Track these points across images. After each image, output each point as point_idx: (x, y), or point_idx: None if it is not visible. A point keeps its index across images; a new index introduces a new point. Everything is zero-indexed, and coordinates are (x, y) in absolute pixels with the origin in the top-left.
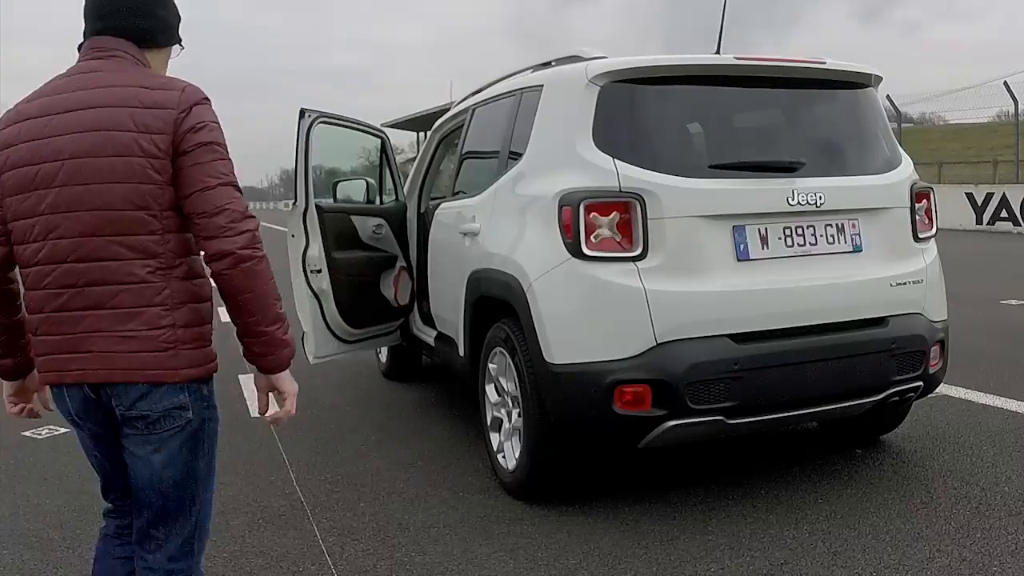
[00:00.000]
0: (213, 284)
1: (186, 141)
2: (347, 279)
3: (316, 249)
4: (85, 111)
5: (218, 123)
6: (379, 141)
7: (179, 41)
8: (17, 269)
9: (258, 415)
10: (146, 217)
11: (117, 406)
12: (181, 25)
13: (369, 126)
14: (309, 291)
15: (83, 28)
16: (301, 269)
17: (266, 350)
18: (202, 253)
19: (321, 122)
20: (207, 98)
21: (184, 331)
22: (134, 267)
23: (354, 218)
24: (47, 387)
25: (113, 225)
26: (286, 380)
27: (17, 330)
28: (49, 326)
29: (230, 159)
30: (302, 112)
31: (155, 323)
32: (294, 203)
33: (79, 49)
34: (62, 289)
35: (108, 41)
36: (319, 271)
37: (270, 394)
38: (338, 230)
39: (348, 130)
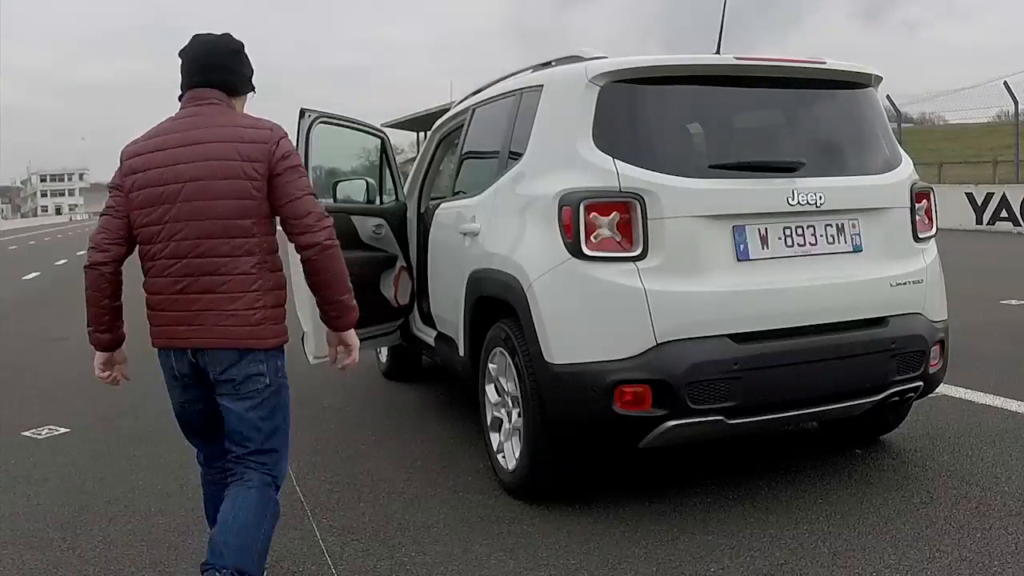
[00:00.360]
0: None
1: (278, 167)
2: None
3: None
4: (198, 145)
5: (296, 151)
6: (379, 141)
7: (253, 88)
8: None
9: None
10: (248, 224)
11: (211, 371)
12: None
13: (369, 126)
14: (309, 291)
15: (181, 82)
16: (301, 269)
17: (340, 313)
18: (294, 245)
19: (321, 122)
20: (286, 133)
21: (270, 311)
22: (238, 262)
23: (354, 218)
24: (125, 361)
25: (223, 231)
26: (352, 335)
27: (117, 312)
28: (168, 305)
29: (307, 174)
30: (302, 112)
31: (251, 304)
32: None
33: (179, 99)
34: (181, 278)
35: (205, 92)
36: None
37: (338, 348)
38: (338, 230)
39: (348, 130)
